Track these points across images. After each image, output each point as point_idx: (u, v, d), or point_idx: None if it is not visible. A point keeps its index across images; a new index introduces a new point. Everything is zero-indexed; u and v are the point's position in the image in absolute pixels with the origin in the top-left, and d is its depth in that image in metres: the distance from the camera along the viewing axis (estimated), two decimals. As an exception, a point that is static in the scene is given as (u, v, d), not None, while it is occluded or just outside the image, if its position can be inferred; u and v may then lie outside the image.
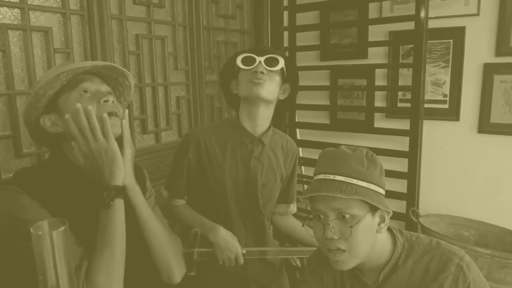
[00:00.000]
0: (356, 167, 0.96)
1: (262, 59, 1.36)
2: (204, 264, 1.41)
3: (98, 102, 0.97)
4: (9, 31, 1.40)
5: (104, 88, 1.03)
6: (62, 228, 0.59)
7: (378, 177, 0.98)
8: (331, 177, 0.96)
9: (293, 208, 1.66)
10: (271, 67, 1.37)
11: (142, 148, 1.92)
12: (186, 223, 1.45)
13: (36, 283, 0.59)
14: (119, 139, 0.99)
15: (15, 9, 1.42)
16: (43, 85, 0.95)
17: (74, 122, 0.92)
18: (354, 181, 0.94)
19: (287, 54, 2.48)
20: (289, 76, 1.45)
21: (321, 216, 0.97)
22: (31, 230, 0.59)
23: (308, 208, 1.07)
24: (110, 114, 0.97)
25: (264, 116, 1.43)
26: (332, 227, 0.94)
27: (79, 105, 0.92)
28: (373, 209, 0.95)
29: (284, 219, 1.65)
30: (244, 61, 1.38)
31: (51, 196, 0.93)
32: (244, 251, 1.41)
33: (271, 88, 1.38)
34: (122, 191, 0.95)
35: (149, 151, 1.95)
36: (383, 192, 0.99)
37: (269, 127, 1.48)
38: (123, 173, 0.96)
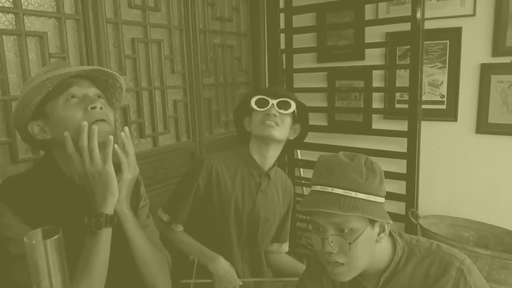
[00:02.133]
0: (354, 178, 0.93)
1: (275, 102, 1.42)
2: None
3: (85, 109, 0.93)
4: (4, 36, 1.39)
5: (93, 91, 0.99)
6: (56, 236, 0.58)
7: (377, 187, 0.95)
8: (329, 189, 0.93)
9: (285, 247, 1.68)
10: (283, 110, 1.42)
11: (140, 152, 1.91)
12: (184, 250, 1.44)
13: None
14: (118, 166, 0.95)
15: (9, 14, 1.41)
16: (28, 92, 0.91)
17: (72, 140, 0.89)
18: (353, 194, 0.92)
19: (284, 56, 2.48)
20: (300, 118, 1.50)
21: (320, 228, 0.95)
22: (25, 239, 0.58)
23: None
24: (98, 120, 0.93)
25: (273, 154, 1.49)
26: (331, 241, 0.92)
27: (85, 122, 0.88)
28: (373, 220, 0.94)
29: (276, 257, 1.66)
30: (258, 102, 1.44)
31: (37, 210, 0.90)
32: (241, 283, 1.42)
33: (282, 130, 1.44)
34: (111, 221, 0.91)
35: (146, 155, 1.94)
36: (382, 200, 0.97)
37: (274, 164, 1.53)
38: (116, 199, 0.92)
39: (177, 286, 1.30)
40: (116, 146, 0.93)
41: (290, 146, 1.56)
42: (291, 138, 1.51)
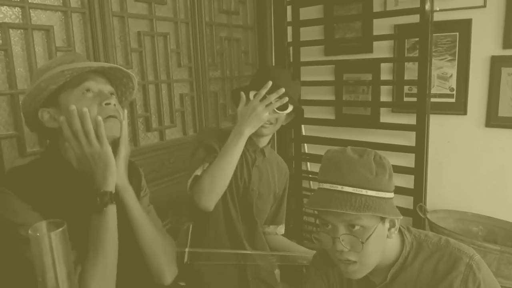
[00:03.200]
0: (364, 175, 0.91)
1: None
2: (196, 271, 1.42)
3: (99, 104, 0.96)
4: (10, 30, 1.39)
5: (107, 88, 1.02)
6: (61, 229, 0.58)
7: (387, 182, 0.94)
8: (339, 188, 0.92)
9: (281, 229, 1.69)
10: (280, 110, 1.41)
11: (147, 146, 1.91)
12: (219, 164, 1.35)
13: (33, 286, 0.58)
14: (116, 139, 0.99)
15: (16, 8, 1.41)
16: (45, 79, 0.93)
17: (68, 124, 0.91)
18: (363, 192, 0.90)
19: (291, 49, 2.46)
20: (295, 110, 1.48)
21: (330, 226, 0.94)
22: (29, 232, 0.58)
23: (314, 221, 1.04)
24: (111, 116, 0.96)
25: (267, 138, 1.53)
26: (342, 240, 0.91)
27: (73, 107, 0.90)
28: (383, 217, 0.93)
29: (272, 238, 1.67)
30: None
31: (43, 196, 0.92)
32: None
33: (275, 127, 1.48)
34: (115, 197, 0.94)
35: (153, 148, 1.94)
36: (392, 195, 0.96)
37: (270, 140, 1.55)
38: (116, 177, 0.95)
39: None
40: (124, 122, 0.99)
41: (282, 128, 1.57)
42: (284, 124, 1.52)
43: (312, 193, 1.00)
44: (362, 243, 0.89)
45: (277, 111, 1.39)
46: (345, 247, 0.91)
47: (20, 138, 1.44)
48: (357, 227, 0.90)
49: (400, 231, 1.02)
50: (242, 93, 1.39)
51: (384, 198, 0.92)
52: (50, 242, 0.57)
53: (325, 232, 0.95)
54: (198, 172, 1.35)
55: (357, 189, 0.90)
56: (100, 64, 1.00)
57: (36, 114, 0.98)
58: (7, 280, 0.92)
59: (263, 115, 1.34)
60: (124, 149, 1.01)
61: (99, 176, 0.92)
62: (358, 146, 0.99)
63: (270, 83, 1.35)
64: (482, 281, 0.91)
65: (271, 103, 1.34)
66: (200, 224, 1.48)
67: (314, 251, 1.36)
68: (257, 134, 1.45)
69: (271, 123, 1.44)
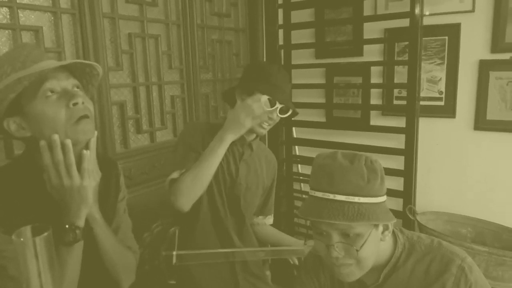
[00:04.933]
0: (356, 182, 0.91)
1: (280, 106, 1.42)
2: (186, 269, 1.42)
3: (67, 106, 0.90)
4: (-2, 30, 1.38)
5: (71, 82, 0.95)
6: (46, 233, 0.57)
7: (379, 187, 0.93)
8: (331, 196, 0.91)
9: (269, 219, 1.71)
10: (282, 114, 1.45)
11: (137, 148, 1.90)
12: (198, 168, 1.35)
13: None
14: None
15: (4, 8, 1.40)
16: (2, 89, 0.87)
17: (48, 153, 0.86)
18: (356, 199, 0.89)
19: (282, 52, 2.46)
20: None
21: (324, 233, 0.94)
22: (13, 237, 0.57)
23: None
24: (82, 117, 0.91)
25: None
26: (337, 247, 0.91)
27: (56, 136, 0.86)
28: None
29: (261, 228, 1.69)
30: (268, 101, 1.42)
31: (12, 211, 0.88)
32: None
33: (270, 128, 1.48)
34: (84, 234, 0.92)
35: (144, 150, 1.93)
36: (384, 199, 0.95)
37: (257, 136, 1.55)
38: (88, 210, 0.93)
39: (159, 258, 1.30)
40: (86, 152, 0.91)
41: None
42: (277, 120, 1.52)
43: (304, 199, 0.99)
44: (357, 250, 0.89)
45: (280, 115, 1.44)
46: (339, 254, 0.91)
47: (7, 140, 1.42)
48: (351, 235, 0.90)
49: (393, 232, 1.02)
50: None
51: (377, 203, 0.92)
52: (35, 247, 0.56)
53: (319, 239, 0.95)
54: (174, 175, 1.36)
55: (350, 197, 0.89)
56: (57, 63, 0.93)
57: (2, 125, 0.91)
58: None
59: (246, 123, 1.36)
60: (93, 180, 0.94)
61: (74, 209, 0.89)
62: (349, 149, 1.00)
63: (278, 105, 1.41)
64: (474, 283, 0.92)
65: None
66: (187, 222, 1.47)
67: (302, 241, 1.37)
68: (253, 133, 1.48)
69: (269, 124, 1.45)
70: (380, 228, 0.95)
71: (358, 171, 0.92)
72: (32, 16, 1.49)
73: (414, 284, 0.97)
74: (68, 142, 0.87)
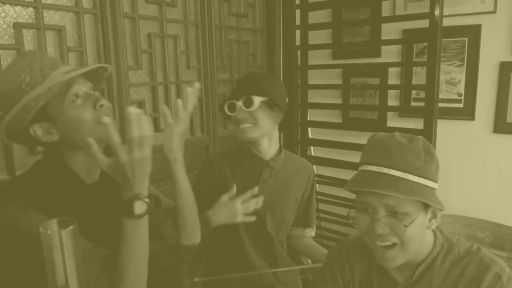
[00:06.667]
0: (413, 161, 0.89)
1: (240, 103, 1.38)
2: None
3: (94, 108, 0.94)
4: (23, 29, 1.42)
5: (88, 85, 0.99)
6: (71, 227, 0.59)
7: (434, 172, 0.91)
8: (385, 170, 0.89)
9: (309, 232, 1.65)
10: (249, 108, 1.38)
11: (155, 146, 1.89)
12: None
13: None
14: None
15: (29, 8, 1.44)
16: (33, 98, 0.89)
17: (113, 129, 0.83)
18: (411, 177, 0.87)
19: (299, 53, 2.46)
20: (274, 100, 1.41)
21: (370, 209, 0.91)
22: (40, 229, 0.59)
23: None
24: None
25: (267, 144, 1.47)
26: (383, 223, 0.88)
27: (132, 108, 0.83)
28: (426, 206, 0.90)
29: (299, 241, 1.65)
30: (229, 108, 1.42)
31: (57, 205, 0.89)
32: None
33: (260, 126, 1.40)
34: (156, 203, 0.94)
35: (161, 148, 1.94)
36: (436, 186, 0.93)
37: (279, 150, 1.52)
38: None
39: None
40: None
41: (290, 125, 1.55)
42: (278, 120, 1.47)
43: (353, 176, 0.97)
44: (406, 226, 0.87)
45: (246, 109, 1.37)
46: (385, 230, 0.88)
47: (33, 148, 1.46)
48: (399, 214, 0.87)
49: (432, 231, 0.99)
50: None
51: (430, 187, 0.90)
52: (61, 240, 0.58)
53: (363, 213, 0.92)
54: None
55: (405, 173, 0.88)
56: (80, 70, 0.95)
57: (26, 131, 0.93)
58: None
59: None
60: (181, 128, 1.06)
61: (140, 180, 0.87)
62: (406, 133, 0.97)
63: None
64: None
65: None
66: (210, 252, 1.51)
67: None
68: (250, 143, 1.45)
69: (252, 124, 1.39)
70: (429, 215, 0.92)
71: (415, 150, 0.90)
72: (56, 16, 1.52)
73: (448, 285, 0.93)
74: (144, 115, 0.85)
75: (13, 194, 0.91)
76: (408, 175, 0.88)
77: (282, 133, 2.56)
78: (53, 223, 0.61)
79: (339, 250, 1.11)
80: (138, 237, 0.88)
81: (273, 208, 1.49)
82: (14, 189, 0.94)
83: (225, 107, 1.43)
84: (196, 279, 1.44)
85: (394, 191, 0.85)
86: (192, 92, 1.07)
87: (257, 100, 1.37)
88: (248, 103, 1.37)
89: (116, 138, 0.82)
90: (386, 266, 0.95)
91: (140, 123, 0.82)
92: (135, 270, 0.88)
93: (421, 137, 0.95)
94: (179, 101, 1.08)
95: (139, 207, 0.86)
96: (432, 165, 0.91)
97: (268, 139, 1.47)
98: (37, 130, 0.93)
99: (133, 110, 0.81)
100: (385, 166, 0.89)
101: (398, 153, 0.89)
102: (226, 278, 1.44)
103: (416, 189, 0.87)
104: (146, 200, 0.87)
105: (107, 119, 0.81)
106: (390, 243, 0.90)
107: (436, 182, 0.92)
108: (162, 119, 1.09)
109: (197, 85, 1.07)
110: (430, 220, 0.93)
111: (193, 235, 1.18)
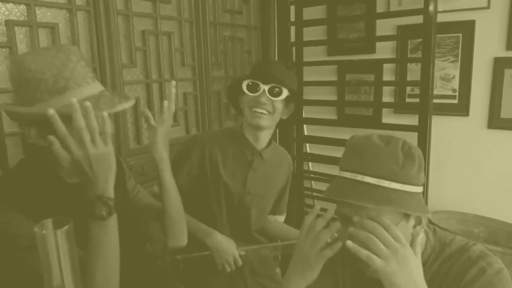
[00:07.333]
0: (389, 166, 0.82)
1: (266, 88, 1.37)
2: (194, 273, 1.46)
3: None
4: (16, 27, 1.40)
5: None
6: (66, 227, 0.59)
7: (415, 175, 0.84)
8: (359, 177, 0.83)
9: (280, 218, 1.71)
10: (274, 96, 1.38)
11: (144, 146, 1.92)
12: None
13: None
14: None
15: (21, 5, 1.42)
16: (42, 111, 0.81)
17: (60, 122, 0.78)
18: (386, 184, 0.81)
19: (294, 49, 2.46)
20: (294, 97, 1.45)
21: (347, 219, 0.85)
22: (35, 229, 0.58)
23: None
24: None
25: (266, 136, 1.50)
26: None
27: (74, 100, 0.77)
28: (408, 213, 0.85)
29: (272, 225, 1.69)
30: (249, 87, 1.39)
31: (35, 204, 0.87)
32: (243, 252, 1.45)
33: (273, 117, 1.42)
34: (114, 205, 0.85)
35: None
36: (420, 189, 0.86)
37: (270, 141, 1.53)
38: (114, 179, 0.87)
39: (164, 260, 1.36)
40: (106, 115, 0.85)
41: (285, 122, 1.54)
42: (284, 117, 1.49)
43: (331, 183, 0.92)
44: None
45: (271, 97, 1.37)
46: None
47: (24, 135, 1.45)
48: None
49: (425, 232, 0.93)
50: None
51: (410, 192, 0.83)
52: (56, 240, 0.58)
53: (341, 225, 0.87)
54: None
55: (380, 180, 0.82)
56: (112, 110, 0.88)
57: (21, 126, 0.92)
58: None
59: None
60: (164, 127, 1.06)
61: (101, 179, 0.82)
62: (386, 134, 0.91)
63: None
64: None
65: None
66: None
67: None
68: (255, 127, 1.43)
69: (268, 112, 1.39)
70: (411, 222, 0.86)
71: (392, 153, 0.84)
72: (49, 13, 1.51)
73: (434, 285, 0.88)
74: (89, 104, 0.79)
75: None
76: (384, 181, 0.82)
77: (277, 130, 2.56)
78: (48, 223, 0.60)
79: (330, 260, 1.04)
80: (105, 239, 0.83)
81: (259, 197, 1.52)
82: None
83: (244, 86, 1.39)
84: (178, 257, 1.44)
85: (367, 201, 0.80)
86: (175, 92, 1.10)
87: (285, 92, 1.38)
88: (277, 92, 1.37)
89: (62, 128, 0.77)
90: (370, 275, 0.89)
91: (88, 115, 0.78)
92: (103, 274, 0.83)
93: (401, 138, 0.88)
94: (165, 102, 1.09)
95: (101, 209, 0.81)
96: (411, 169, 0.84)
97: (270, 131, 1.49)
98: (32, 132, 0.91)
99: (74, 100, 0.77)
100: (359, 173, 0.84)
101: (373, 158, 0.84)
102: (207, 255, 1.44)
103: (393, 196, 0.81)
104: (110, 202, 0.82)
105: (50, 111, 0.76)
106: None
107: (418, 185, 0.86)
108: (145, 121, 1.07)
109: (173, 83, 1.10)
110: (414, 227, 0.87)
111: (180, 237, 1.17)
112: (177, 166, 1.45)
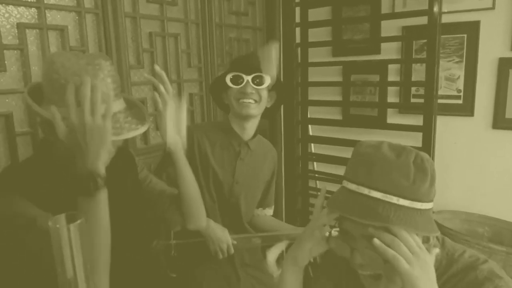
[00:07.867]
0: (399, 181, 0.76)
1: (249, 78, 1.43)
2: (186, 262, 1.48)
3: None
4: (27, 30, 1.44)
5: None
6: (79, 221, 0.61)
7: (426, 191, 0.78)
8: (366, 191, 0.77)
9: (269, 211, 1.74)
10: (258, 85, 1.43)
11: (156, 144, 1.95)
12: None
13: (33, 275, 0.58)
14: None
15: (32, 9, 1.46)
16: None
17: (71, 91, 0.81)
18: (394, 200, 0.75)
19: (299, 50, 2.47)
20: (276, 86, 1.50)
21: (350, 234, 0.82)
22: (49, 224, 0.61)
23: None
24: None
25: (252, 126, 1.54)
26: (363, 253, 0.79)
27: (88, 79, 0.82)
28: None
29: (261, 219, 1.72)
30: (233, 80, 1.45)
31: (42, 195, 0.88)
32: (235, 242, 1.48)
33: (260, 105, 1.47)
34: (104, 181, 0.86)
35: (162, 147, 1.96)
36: (430, 206, 0.80)
37: (256, 133, 1.57)
38: (107, 159, 0.88)
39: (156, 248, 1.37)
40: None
41: (268, 111, 1.58)
42: (268, 106, 1.54)
43: (335, 192, 0.87)
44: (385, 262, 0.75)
45: (255, 86, 1.43)
46: (364, 261, 0.79)
47: (35, 135, 1.48)
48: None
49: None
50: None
51: (419, 209, 0.77)
52: (69, 234, 0.60)
53: (342, 240, 0.83)
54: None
55: (388, 195, 0.76)
56: (124, 136, 0.92)
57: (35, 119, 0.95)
58: (8, 272, 0.90)
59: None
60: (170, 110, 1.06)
61: (92, 152, 0.82)
62: (396, 144, 0.85)
63: None
64: None
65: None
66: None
67: (300, 228, 1.39)
68: (244, 117, 1.48)
69: (255, 101, 1.45)
70: (419, 238, 0.78)
71: (403, 167, 0.77)
72: (58, 16, 1.54)
73: None
74: (96, 82, 0.83)
75: (2, 182, 0.91)
76: (392, 197, 0.76)
77: (282, 130, 2.58)
78: (62, 218, 0.63)
79: (331, 259, 1.03)
80: (93, 217, 0.83)
81: (248, 186, 1.56)
82: (4, 178, 0.93)
83: (228, 79, 1.45)
84: (171, 242, 1.47)
85: (372, 219, 0.75)
86: (159, 70, 1.11)
87: (268, 80, 1.44)
88: (260, 81, 1.43)
89: (70, 94, 0.81)
90: None
91: (94, 89, 0.81)
92: (89, 254, 0.83)
93: (414, 149, 0.81)
94: (156, 67, 1.12)
95: (88, 184, 0.82)
96: (423, 184, 0.78)
97: (256, 121, 1.54)
98: (45, 128, 0.93)
99: (88, 78, 0.82)
100: (366, 186, 0.78)
101: (382, 171, 0.77)
102: (200, 241, 1.47)
103: (400, 214, 0.75)
104: (98, 179, 0.83)
105: (88, 78, 0.82)
106: (373, 272, 0.81)
107: (429, 202, 0.80)
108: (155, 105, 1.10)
109: (157, 67, 1.11)
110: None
111: (199, 219, 1.22)
112: (167, 157, 1.47)
